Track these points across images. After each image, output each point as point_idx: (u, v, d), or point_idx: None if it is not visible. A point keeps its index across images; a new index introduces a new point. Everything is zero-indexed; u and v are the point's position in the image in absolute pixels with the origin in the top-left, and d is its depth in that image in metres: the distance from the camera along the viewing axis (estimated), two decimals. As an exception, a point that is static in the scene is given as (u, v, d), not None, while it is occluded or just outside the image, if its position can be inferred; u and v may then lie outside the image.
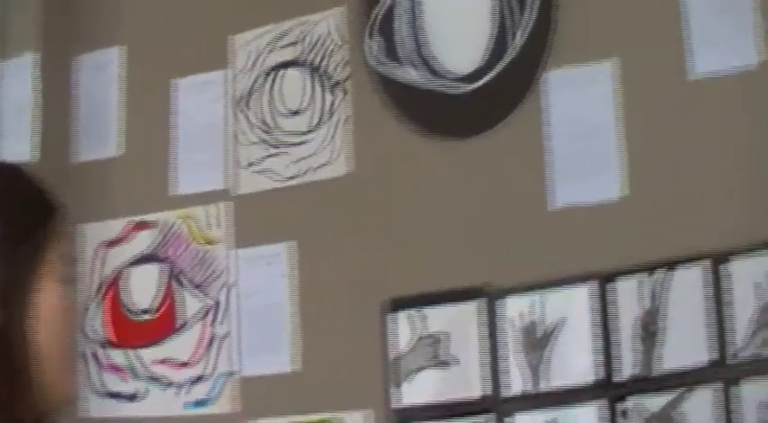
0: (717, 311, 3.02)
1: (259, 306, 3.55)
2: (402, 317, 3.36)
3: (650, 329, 3.10)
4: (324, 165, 3.55)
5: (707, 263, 3.06)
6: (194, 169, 3.71)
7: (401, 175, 3.46)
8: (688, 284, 3.08)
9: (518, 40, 3.37)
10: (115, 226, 3.80)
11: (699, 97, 3.16)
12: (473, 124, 3.40)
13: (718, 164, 3.11)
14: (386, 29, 3.55)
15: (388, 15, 3.55)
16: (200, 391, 3.56)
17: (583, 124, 3.29)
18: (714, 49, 3.16)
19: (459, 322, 3.31)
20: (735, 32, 3.15)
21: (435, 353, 3.31)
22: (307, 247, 3.53)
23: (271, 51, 3.69)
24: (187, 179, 3.72)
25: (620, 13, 3.28)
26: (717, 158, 3.11)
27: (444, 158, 3.41)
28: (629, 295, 3.15)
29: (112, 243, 3.77)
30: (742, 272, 3.02)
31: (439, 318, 3.33)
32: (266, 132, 3.64)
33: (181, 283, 3.65)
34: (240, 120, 3.69)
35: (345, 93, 3.57)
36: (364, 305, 3.40)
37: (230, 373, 3.54)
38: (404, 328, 3.36)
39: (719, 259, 3.05)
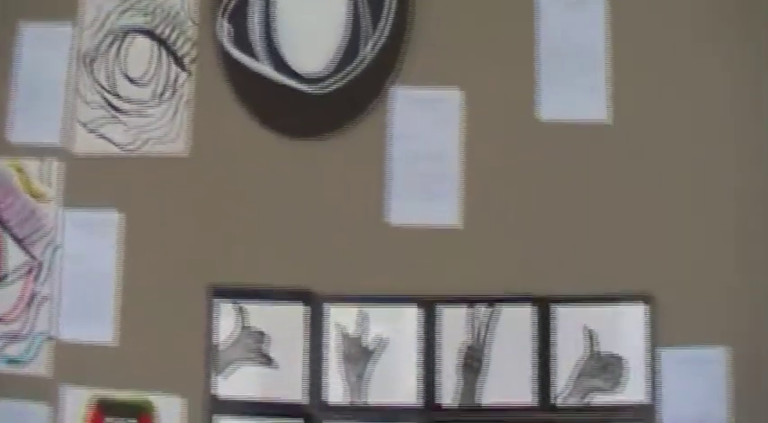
0: (542, 353, 2.51)
1: (83, 272, 2.70)
2: (226, 306, 2.62)
3: (475, 360, 2.53)
4: (162, 140, 2.70)
5: (536, 303, 2.52)
6: (31, 120, 2.77)
7: (239, 164, 2.68)
8: (515, 322, 2.52)
9: (369, 51, 2.65)
10: (-56, 162, 2.86)
11: (542, 139, 2.58)
12: (316, 126, 2.66)
13: (555, 207, 2.56)
14: (238, 18, 2.72)
15: (242, 5, 2.71)
16: (15, 349, 2.71)
17: (425, 146, 2.62)
18: (562, 99, 2.58)
19: (283, 322, 2.60)
20: (586, 87, 2.59)
21: (258, 349, 2.60)
22: (136, 219, 2.70)
23: (122, 13, 2.76)
24: (23, 128, 2.77)
25: (474, 45, 2.64)
26: (554, 201, 2.56)
27: (284, 155, 2.66)
28: (456, 324, 2.55)
29: (-61, 181, 2.82)
30: (570, 318, 2.50)
31: (263, 314, 2.61)
32: (107, 96, 2.74)
33: (6, 235, 2.74)
34: (83, 78, 2.76)
35: (191, 73, 2.72)
36: (189, 288, 2.63)
37: (48, 337, 2.69)
38: (227, 318, 2.62)
39: (548, 301, 2.52)
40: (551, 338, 2.50)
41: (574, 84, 2.57)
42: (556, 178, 2.56)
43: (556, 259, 2.52)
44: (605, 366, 2.49)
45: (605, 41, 2.58)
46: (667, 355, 2.48)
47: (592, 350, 2.49)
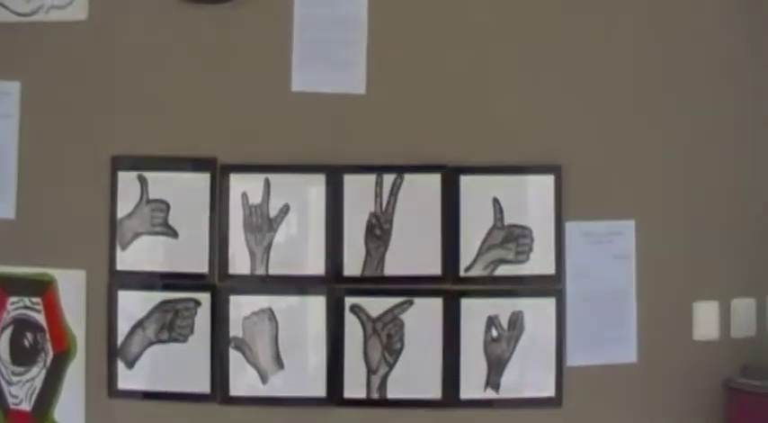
0: (449, 223, 2.52)
1: (-21, 143, 2.67)
2: (129, 177, 2.59)
3: (380, 229, 2.54)
4: (59, 5, 2.61)
5: (444, 172, 2.52)
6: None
7: (141, 30, 2.63)
8: (423, 191, 2.53)
9: None
10: None
11: (451, 5, 2.55)
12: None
13: (463, 74, 2.54)
14: None
15: None
16: None
17: (331, 10, 2.58)
18: None
19: (187, 192, 2.58)
20: None
21: (162, 220, 2.57)
22: (35, 88, 2.63)
23: None
24: None
25: None
26: (462, 69, 2.54)
27: (188, 19, 2.61)
28: (362, 192, 2.56)
29: None
30: (478, 188, 2.52)
31: (167, 184, 2.59)
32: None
33: None
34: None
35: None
36: (91, 160, 2.60)
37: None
38: (130, 190, 2.59)
39: (456, 171, 2.53)
40: (459, 209, 2.50)
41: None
42: (465, 44, 2.54)
43: (465, 128, 2.52)
44: (512, 237, 2.51)
45: None
46: (573, 228, 2.51)
47: (499, 221, 2.51)
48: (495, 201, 2.50)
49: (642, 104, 2.54)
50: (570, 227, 2.50)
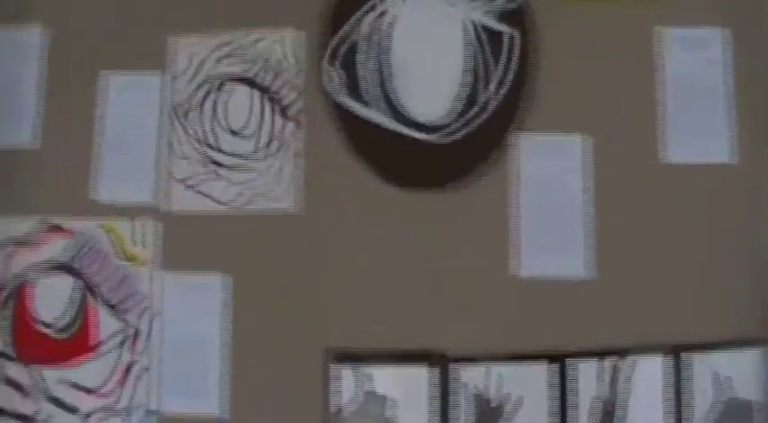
0: (676, 401, 2.59)
1: (185, 340, 2.67)
2: (344, 371, 2.62)
3: (608, 414, 2.60)
4: (268, 196, 2.71)
5: (668, 352, 2.60)
6: (120, 176, 2.74)
7: (354, 220, 2.69)
8: (648, 372, 2.61)
9: (491, 96, 2.72)
10: (24, 224, 2.76)
11: (669, 183, 2.69)
12: (437, 176, 2.70)
13: (685, 254, 2.66)
14: (348, 64, 2.75)
15: (352, 51, 2.75)
16: (112, 424, 2.70)
17: (551, 193, 2.70)
18: (688, 142, 2.71)
19: (407, 385, 2.61)
20: (709, 130, 2.72)
21: (381, 414, 2.60)
22: (242, 281, 2.69)
23: (217, 61, 2.78)
24: (111, 185, 2.73)
25: (597, 94, 2.72)
26: (684, 249, 2.66)
27: (403, 207, 2.69)
28: (588, 377, 2.62)
29: (20, 243, 2.77)
30: (702, 363, 2.60)
31: (385, 377, 2.62)
32: (206, 150, 2.75)
33: (98, 302, 2.70)
34: (176, 131, 2.76)
35: (299, 122, 2.73)
36: (303, 354, 2.64)
37: (148, 411, 2.67)
38: (346, 384, 2.62)
39: (680, 349, 2.61)
40: (682, 386, 2.57)
41: (699, 125, 2.69)
42: (684, 221, 2.64)
43: (688, 304, 2.60)
44: (739, 412, 2.58)
45: (728, 82, 2.70)
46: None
47: (720, 395, 2.58)
48: (720, 376, 2.58)
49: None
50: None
